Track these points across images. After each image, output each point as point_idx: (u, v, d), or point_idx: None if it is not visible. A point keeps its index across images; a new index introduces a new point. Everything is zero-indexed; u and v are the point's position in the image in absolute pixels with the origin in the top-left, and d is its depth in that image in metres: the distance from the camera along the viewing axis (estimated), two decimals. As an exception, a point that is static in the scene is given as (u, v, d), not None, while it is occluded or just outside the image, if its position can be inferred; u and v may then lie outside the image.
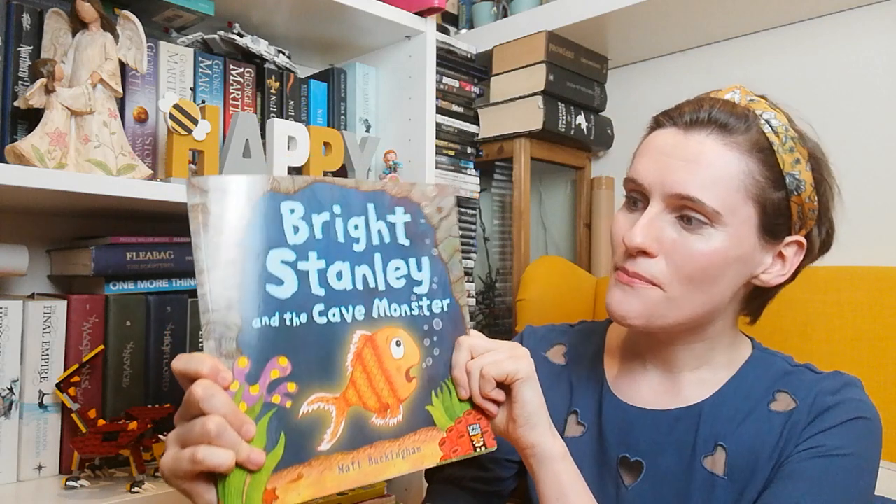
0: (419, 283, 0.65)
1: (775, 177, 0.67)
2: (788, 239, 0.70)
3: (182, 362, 0.52)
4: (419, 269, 0.65)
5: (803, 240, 0.70)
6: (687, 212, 0.67)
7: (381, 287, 0.63)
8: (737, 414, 0.71)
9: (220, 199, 0.54)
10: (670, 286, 0.68)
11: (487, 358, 0.64)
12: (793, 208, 0.68)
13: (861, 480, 0.66)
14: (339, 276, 0.60)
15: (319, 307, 0.59)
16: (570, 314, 1.31)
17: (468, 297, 1.32)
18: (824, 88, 1.27)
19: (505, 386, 0.65)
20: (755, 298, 0.76)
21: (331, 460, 0.57)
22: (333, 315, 0.60)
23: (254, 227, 0.55)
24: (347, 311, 0.60)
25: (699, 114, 0.68)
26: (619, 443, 0.75)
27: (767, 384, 0.72)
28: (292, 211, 0.58)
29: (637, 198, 0.71)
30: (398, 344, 0.63)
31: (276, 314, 0.56)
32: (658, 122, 0.73)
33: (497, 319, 1.48)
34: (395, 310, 0.63)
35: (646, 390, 0.77)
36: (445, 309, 0.66)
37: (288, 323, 0.57)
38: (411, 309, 0.64)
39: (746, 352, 0.76)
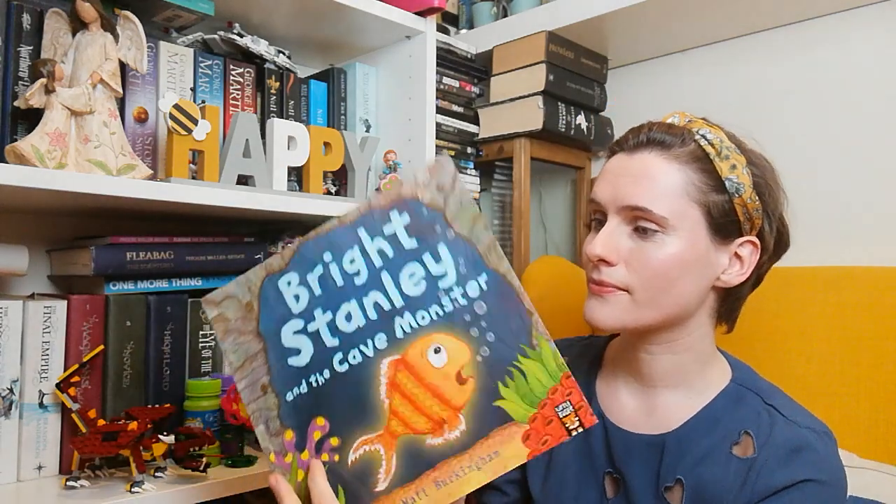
0: (443, 276, 0.60)
1: (715, 182, 0.73)
2: (741, 239, 0.75)
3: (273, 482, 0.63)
4: (437, 260, 0.60)
5: (756, 239, 0.75)
6: (640, 222, 0.72)
7: (399, 303, 0.61)
8: (697, 450, 0.73)
9: (231, 304, 0.61)
10: (636, 290, 0.73)
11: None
12: (738, 210, 0.73)
13: None
14: (349, 317, 0.62)
15: (338, 356, 0.61)
16: (570, 314, 1.31)
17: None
18: (824, 88, 1.27)
19: None
20: (724, 303, 0.78)
21: (392, 497, 0.58)
22: (353, 357, 0.61)
23: (264, 315, 0.61)
24: (367, 346, 0.61)
25: (640, 137, 0.75)
26: (606, 458, 0.78)
27: (735, 424, 0.73)
28: (289, 283, 0.62)
29: (599, 218, 0.78)
30: (437, 351, 0.59)
31: (303, 381, 0.61)
32: (611, 151, 0.80)
33: (497, 319, 1.47)
34: (423, 317, 0.60)
35: (626, 408, 0.80)
36: (485, 287, 0.60)
37: (314, 385, 0.61)
38: (442, 307, 0.60)
39: (724, 380, 0.77)
